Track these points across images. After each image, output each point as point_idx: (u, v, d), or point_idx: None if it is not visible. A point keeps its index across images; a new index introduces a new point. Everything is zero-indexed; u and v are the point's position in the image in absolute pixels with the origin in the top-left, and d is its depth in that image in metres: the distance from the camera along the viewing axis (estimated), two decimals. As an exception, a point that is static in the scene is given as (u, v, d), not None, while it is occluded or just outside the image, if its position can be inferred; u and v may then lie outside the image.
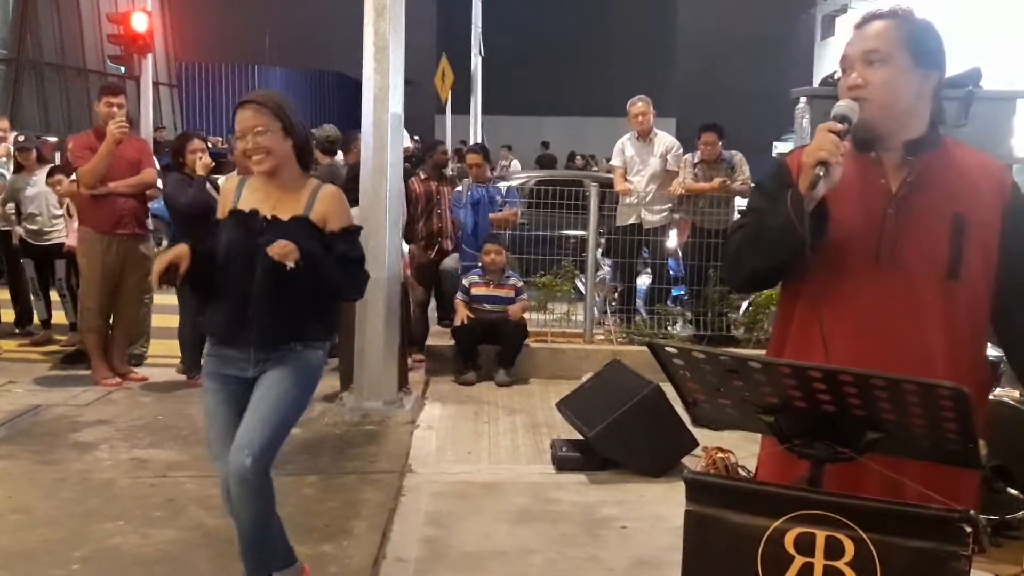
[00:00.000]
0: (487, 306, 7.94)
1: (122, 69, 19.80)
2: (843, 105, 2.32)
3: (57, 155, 11.65)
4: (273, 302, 3.52)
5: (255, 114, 3.55)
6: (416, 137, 20.22)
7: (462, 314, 7.83)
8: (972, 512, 1.89)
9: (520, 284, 8.15)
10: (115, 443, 5.97)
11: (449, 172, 10.34)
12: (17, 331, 9.05)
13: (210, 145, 7.96)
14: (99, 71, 25.02)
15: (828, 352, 2.25)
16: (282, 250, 3.37)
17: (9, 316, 9.18)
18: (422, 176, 8.85)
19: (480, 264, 8.10)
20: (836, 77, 2.55)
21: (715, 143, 8.89)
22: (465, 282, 8.07)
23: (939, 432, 2.02)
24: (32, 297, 8.84)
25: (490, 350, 7.94)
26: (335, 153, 9.17)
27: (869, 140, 2.40)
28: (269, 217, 3.58)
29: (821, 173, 2.22)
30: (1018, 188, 2.46)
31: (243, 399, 3.59)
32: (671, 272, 9.27)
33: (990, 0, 18.08)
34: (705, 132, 8.96)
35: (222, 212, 3.70)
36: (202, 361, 4.37)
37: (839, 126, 2.27)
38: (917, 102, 2.39)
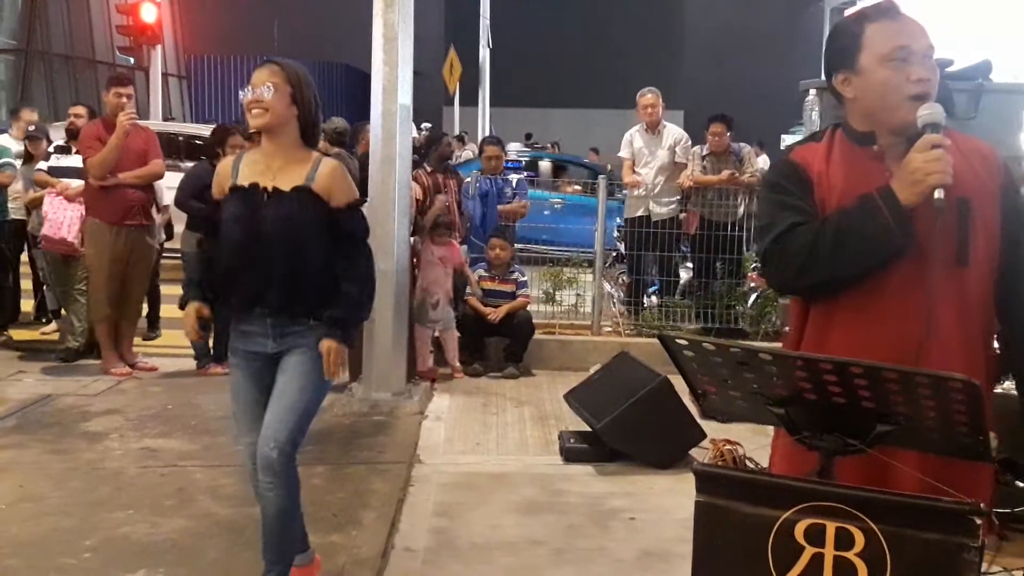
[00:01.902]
0: (491, 300, 7.94)
1: (131, 60, 19.83)
2: (933, 113, 2.27)
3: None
4: (282, 277, 3.53)
5: (270, 72, 3.55)
6: (427, 124, 20.01)
7: (483, 310, 7.84)
8: (982, 504, 1.90)
9: (523, 279, 8.15)
10: (125, 432, 5.99)
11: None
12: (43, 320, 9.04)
13: None
14: (108, 62, 25.03)
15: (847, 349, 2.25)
16: (334, 360, 3.52)
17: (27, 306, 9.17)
18: (428, 169, 8.84)
19: (485, 261, 8.12)
20: None
21: (723, 134, 8.87)
22: (474, 277, 8.08)
23: (949, 425, 2.02)
24: (43, 287, 8.84)
25: (498, 342, 7.95)
26: (344, 144, 9.18)
27: (870, 135, 2.40)
28: (270, 189, 3.55)
29: (943, 195, 2.21)
30: (1009, 169, 2.46)
31: (267, 375, 3.62)
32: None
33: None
34: (713, 123, 8.95)
35: (220, 190, 3.66)
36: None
37: (946, 141, 2.25)
38: None
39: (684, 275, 9.36)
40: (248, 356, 3.65)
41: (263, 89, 3.50)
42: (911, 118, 2.31)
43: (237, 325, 3.68)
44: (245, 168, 3.63)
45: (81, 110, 8.17)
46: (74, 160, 7.66)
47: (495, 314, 7.78)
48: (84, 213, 7.45)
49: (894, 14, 2.40)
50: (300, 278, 3.55)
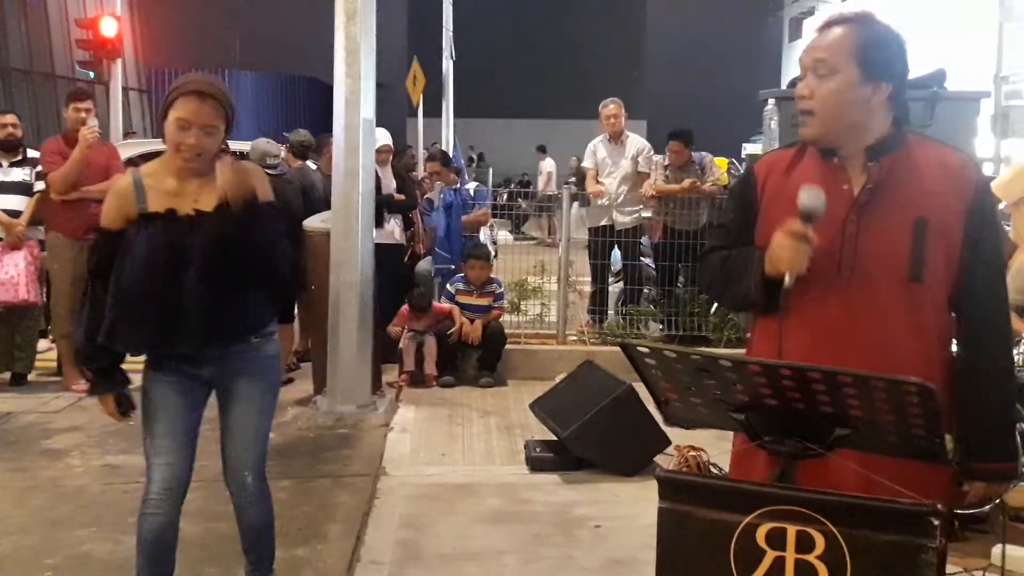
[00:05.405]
0: (467, 314, 7.95)
1: (91, 74, 19.62)
2: (809, 198, 2.29)
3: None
4: (215, 301, 3.24)
5: (213, 111, 3.24)
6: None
7: (459, 320, 7.85)
8: (940, 506, 1.92)
9: (500, 291, 8.18)
10: (86, 450, 5.92)
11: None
12: None
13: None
14: (68, 76, 24.78)
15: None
16: (240, 187, 3.19)
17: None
18: (391, 181, 8.85)
19: (463, 275, 8.13)
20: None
21: (680, 151, 8.95)
22: (451, 288, 8.09)
23: (906, 427, 2.05)
24: None
25: (469, 354, 7.94)
26: (306, 157, 9.16)
27: (827, 150, 2.43)
28: (193, 213, 3.25)
29: (791, 283, 2.30)
30: (983, 188, 2.44)
31: (197, 395, 3.47)
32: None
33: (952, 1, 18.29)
34: (671, 140, 9.02)
35: (121, 217, 3.28)
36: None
37: (809, 232, 2.28)
38: (868, 114, 2.38)
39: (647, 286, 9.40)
40: (178, 372, 3.40)
41: (209, 139, 3.25)
42: (805, 134, 2.42)
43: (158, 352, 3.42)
44: (153, 191, 3.28)
45: (14, 119, 7.74)
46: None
47: (474, 334, 7.81)
48: (33, 259, 7.22)
49: (816, 30, 2.47)
50: (235, 299, 3.32)
